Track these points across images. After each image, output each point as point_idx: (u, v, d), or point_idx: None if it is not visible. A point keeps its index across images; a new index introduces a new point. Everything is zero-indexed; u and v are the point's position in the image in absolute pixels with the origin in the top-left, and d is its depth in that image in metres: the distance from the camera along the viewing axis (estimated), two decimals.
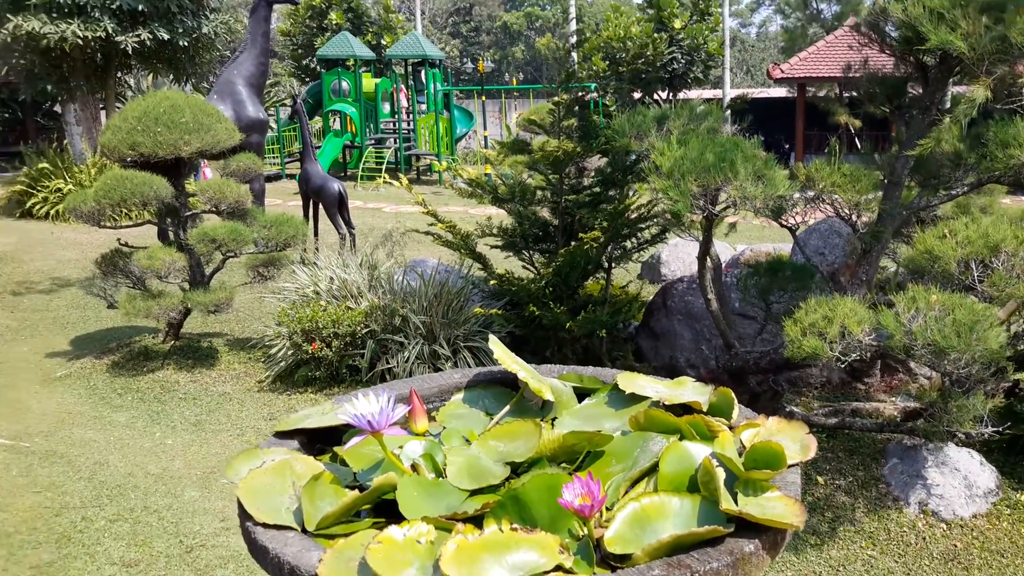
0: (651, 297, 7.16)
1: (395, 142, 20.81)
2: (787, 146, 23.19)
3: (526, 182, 6.68)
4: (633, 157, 6.23)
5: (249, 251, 6.96)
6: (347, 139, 21.24)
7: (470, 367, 6.13)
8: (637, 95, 20.03)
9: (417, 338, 6.23)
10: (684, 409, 1.94)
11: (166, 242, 7.60)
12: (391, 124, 21.60)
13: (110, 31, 13.33)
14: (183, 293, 6.82)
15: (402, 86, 21.65)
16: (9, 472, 4.98)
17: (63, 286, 9.67)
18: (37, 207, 14.43)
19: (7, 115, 26.13)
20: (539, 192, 6.52)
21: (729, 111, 5.68)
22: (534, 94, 25.50)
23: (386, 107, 21.73)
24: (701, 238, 4.67)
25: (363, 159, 20.21)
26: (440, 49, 30.12)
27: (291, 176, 21.09)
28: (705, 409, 1.94)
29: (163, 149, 6.27)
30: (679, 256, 9.83)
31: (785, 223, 4.39)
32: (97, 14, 13.33)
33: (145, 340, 7.37)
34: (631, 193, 6.44)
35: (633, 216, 6.31)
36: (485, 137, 20.65)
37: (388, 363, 6.17)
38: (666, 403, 1.95)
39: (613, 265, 6.79)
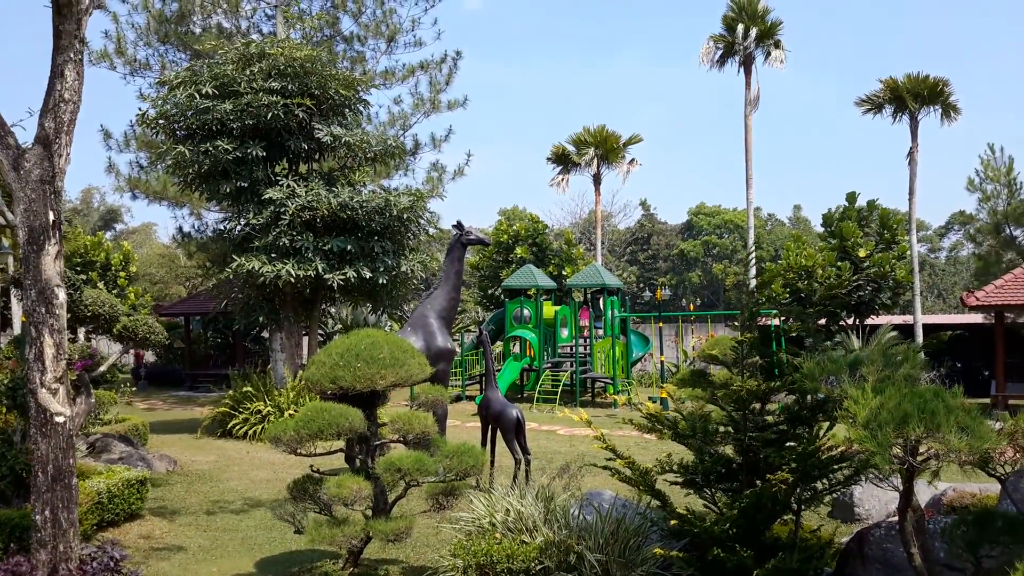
0: (845, 542, 6.63)
1: (572, 365, 21.19)
2: (986, 373, 21.60)
3: (708, 416, 6.57)
4: (821, 396, 6.02)
5: (430, 480, 7.12)
6: (525, 363, 21.89)
7: None
8: (822, 322, 19.63)
9: None
10: None
11: (353, 468, 7.92)
12: (568, 348, 22.13)
13: (320, 270, 14.79)
14: (366, 521, 7.00)
15: (585, 307, 22.39)
16: None
17: (253, 506, 10.15)
18: (237, 427, 15.55)
19: (219, 340, 28.99)
20: (720, 428, 6.37)
21: (923, 352, 5.44)
22: (711, 319, 25.55)
23: (564, 332, 22.38)
24: (901, 488, 4.36)
25: (540, 382, 20.64)
26: (617, 276, 31.09)
27: (470, 398, 21.77)
28: None
29: (360, 383, 6.72)
30: (874, 494, 9.14)
31: (993, 472, 4.08)
32: (310, 255, 14.89)
33: (326, 566, 7.50)
34: (821, 433, 6.16)
35: (824, 457, 5.99)
36: (662, 362, 20.67)
37: None
38: None
39: (803, 507, 6.39)
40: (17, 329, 20.73)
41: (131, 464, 11.15)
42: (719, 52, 30.54)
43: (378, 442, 7.35)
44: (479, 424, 11.33)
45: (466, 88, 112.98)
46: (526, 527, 6.56)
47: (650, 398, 17.07)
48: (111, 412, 13.67)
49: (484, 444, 10.67)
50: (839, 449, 6.03)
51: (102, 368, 11.04)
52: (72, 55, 6.74)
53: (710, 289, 60.38)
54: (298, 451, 6.93)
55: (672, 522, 6.11)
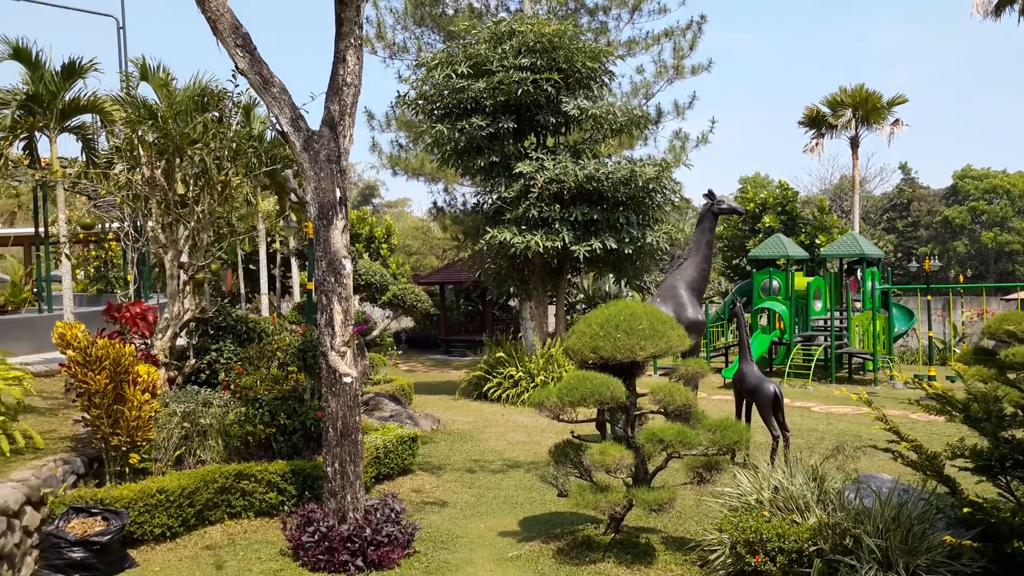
0: None
1: (826, 340, 20.11)
2: None
3: (1000, 398, 5.97)
4: None
5: (692, 453, 7.05)
6: (775, 336, 21.04)
7: None
8: None
9: (871, 563, 5.69)
10: None
11: (603, 434, 8.04)
12: (822, 321, 21.01)
13: (567, 241, 15.05)
14: (627, 489, 7.07)
15: (852, 277, 21.25)
16: None
17: (512, 466, 10.58)
18: (491, 391, 16.30)
19: (470, 308, 30.43)
20: (1020, 412, 5.77)
21: None
22: (986, 292, 23.18)
23: (817, 304, 21.25)
24: None
25: (791, 356, 19.78)
26: (874, 244, 29.03)
27: (716, 370, 21.30)
28: None
29: (621, 353, 6.77)
30: None
31: None
32: (557, 227, 15.19)
33: (588, 530, 7.70)
34: None
35: None
36: (930, 338, 19.07)
37: None
38: None
39: None
40: (296, 297, 22.99)
41: (400, 421, 12.01)
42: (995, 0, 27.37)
43: (637, 412, 7.38)
44: (727, 397, 11.07)
45: (703, 53, 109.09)
46: (796, 507, 6.32)
47: (915, 376, 15.80)
48: (380, 373, 14.81)
49: (738, 418, 10.40)
50: None
51: (375, 332, 11.99)
52: (352, 40, 7.23)
53: (978, 259, 54.69)
54: (560, 417, 7.12)
55: (964, 510, 5.64)
